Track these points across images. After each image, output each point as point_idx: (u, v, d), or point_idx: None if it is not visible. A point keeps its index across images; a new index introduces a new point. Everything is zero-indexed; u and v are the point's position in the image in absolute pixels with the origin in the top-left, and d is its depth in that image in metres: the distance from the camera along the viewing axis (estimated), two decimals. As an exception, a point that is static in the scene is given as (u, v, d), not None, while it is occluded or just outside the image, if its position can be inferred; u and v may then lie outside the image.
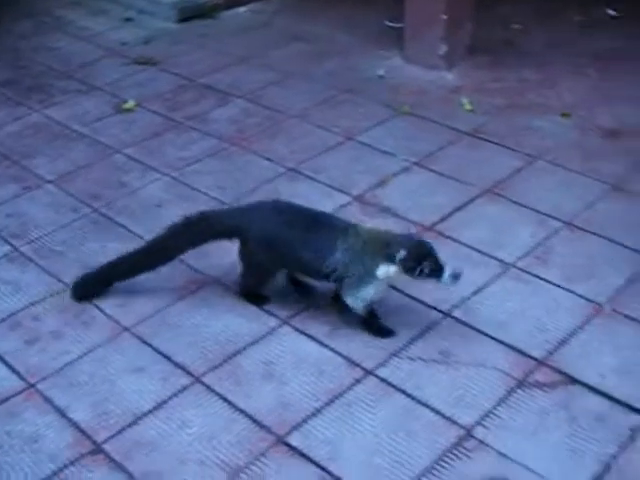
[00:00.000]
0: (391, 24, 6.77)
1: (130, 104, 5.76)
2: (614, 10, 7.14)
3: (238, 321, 3.79)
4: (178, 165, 5.04)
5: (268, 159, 5.06)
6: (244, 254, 3.82)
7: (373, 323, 3.73)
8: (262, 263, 3.77)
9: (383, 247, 3.51)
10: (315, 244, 3.60)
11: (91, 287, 3.98)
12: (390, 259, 3.48)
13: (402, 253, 3.45)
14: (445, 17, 5.91)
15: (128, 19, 7.35)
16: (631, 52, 6.40)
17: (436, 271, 3.47)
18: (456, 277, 3.48)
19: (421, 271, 3.46)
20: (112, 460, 3.13)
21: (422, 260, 3.46)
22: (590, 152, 5.08)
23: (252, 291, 3.94)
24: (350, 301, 3.64)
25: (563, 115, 5.50)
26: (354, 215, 4.40)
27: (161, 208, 4.63)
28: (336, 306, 3.75)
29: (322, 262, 3.57)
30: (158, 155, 5.16)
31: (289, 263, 3.76)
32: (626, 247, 4.23)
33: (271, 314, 3.83)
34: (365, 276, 3.55)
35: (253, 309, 3.85)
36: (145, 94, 5.94)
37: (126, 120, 5.62)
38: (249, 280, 3.91)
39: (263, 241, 3.69)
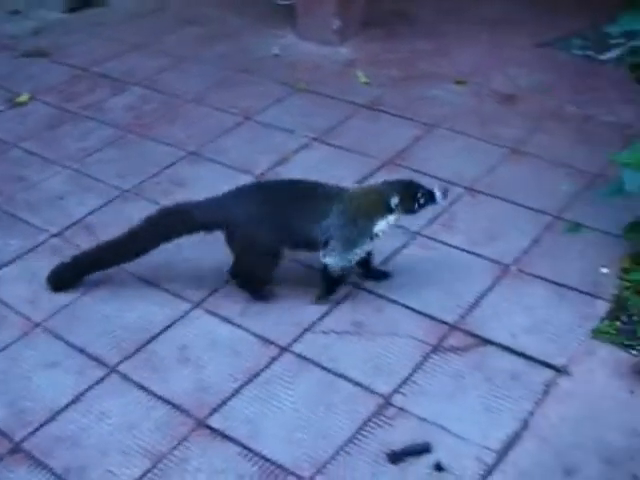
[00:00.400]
0: (282, 2, 6.73)
1: (24, 97, 5.66)
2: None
3: (150, 309, 3.76)
4: (77, 156, 4.97)
5: (168, 144, 5.02)
6: (238, 245, 3.72)
7: (339, 285, 3.77)
8: (262, 246, 3.67)
9: (376, 204, 3.62)
10: (308, 213, 3.63)
11: (66, 277, 3.90)
12: (388, 211, 3.60)
13: (395, 199, 3.58)
14: (336, -9, 5.91)
15: (15, 11, 7.19)
16: (520, 17, 6.50)
17: (429, 197, 3.64)
18: (445, 193, 3.67)
19: (419, 204, 3.64)
20: (32, 458, 3.09)
21: (414, 195, 3.62)
22: (487, 117, 5.15)
23: (262, 282, 3.82)
24: (332, 261, 3.65)
25: (458, 82, 5.57)
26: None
27: (63, 200, 4.56)
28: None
29: (317, 229, 3.61)
30: (56, 147, 5.07)
31: (285, 239, 3.68)
32: (528, 208, 4.31)
33: (183, 298, 3.80)
34: (358, 237, 3.63)
35: (165, 295, 3.83)
36: (38, 86, 5.84)
37: (20, 114, 5.51)
38: (256, 271, 3.78)
39: (253, 225, 3.64)
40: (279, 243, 3.69)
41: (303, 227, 3.63)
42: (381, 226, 3.64)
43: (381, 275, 3.90)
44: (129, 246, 3.76)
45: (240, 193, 3.76)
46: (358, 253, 3.67)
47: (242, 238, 3.67)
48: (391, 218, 3.64)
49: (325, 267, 3.70)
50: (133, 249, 3.77)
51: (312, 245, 3.68)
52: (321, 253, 3.67)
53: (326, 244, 3.64)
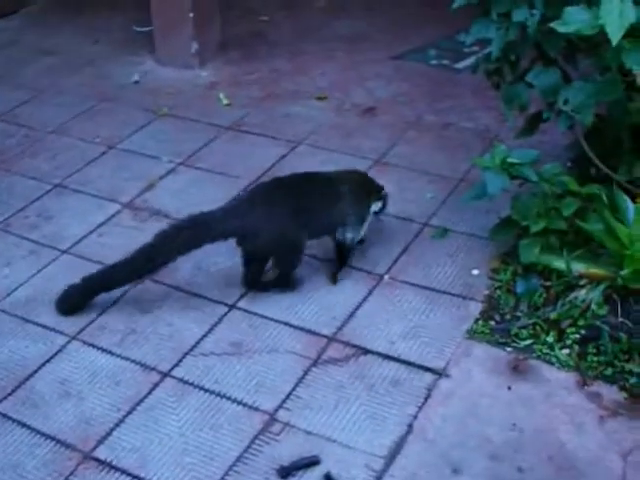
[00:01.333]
0: (139, 28, 6.72)
1: None
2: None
3: (23, 344, 3.70)
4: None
5: (33, 178, 4.95)
6: (266, 248, 3.83)
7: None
8: (292, 241, 3.83)
9: (370, 187, 4.12)
10: (324, 199, 3.93)
11: (75, 300, 3.86)
12: (378, 195, 4.12)
13: (385, 191, 4.14)
14: (192, 15, 5.93)
15: None
16: (374, 33, 6.63)
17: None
18: None
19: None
20: None
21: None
22: (349, 131, 5.24)
23: (292, 274, 3.97)
24: (351, 236, 4.00)
25: (319, 98, 5.65)
26: (127, 222, 4.40)
27: None
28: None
29: (336, 212, 3.91)
30: None
31: (309, 229, 3.87)
32: (396, 217, 4.40)
33: (57, 332, 3.75)
34: (366, 212, 4.05)
35: (37, 330, 3.77)
36: None
37: None
38: (290, 263, 3.91)
39: (276, 224, 3.77)
40: (304, 235, 3.87)
41: (324, 213, 3.91)
42: (374, 207, 4.11)
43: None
44: (144, 263, 3.75)
45: (253, 197, 3.92)
46: (365, 226, 4.06)
47: (270, 240, 3.78)
48: (378, 204, 4.12)
49: (344, 243, 4.01)
50: (148, 266, 3.77)
51: (331, 228, 3.98)
52: (339, 232, 3.97)
53: (343, 223, 3.92)
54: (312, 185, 3.98)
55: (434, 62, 6.21)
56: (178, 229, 3.76)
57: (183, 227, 3.76)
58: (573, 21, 3.35)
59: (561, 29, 3.35)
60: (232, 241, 3.80)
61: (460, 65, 6.14)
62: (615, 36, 3.17)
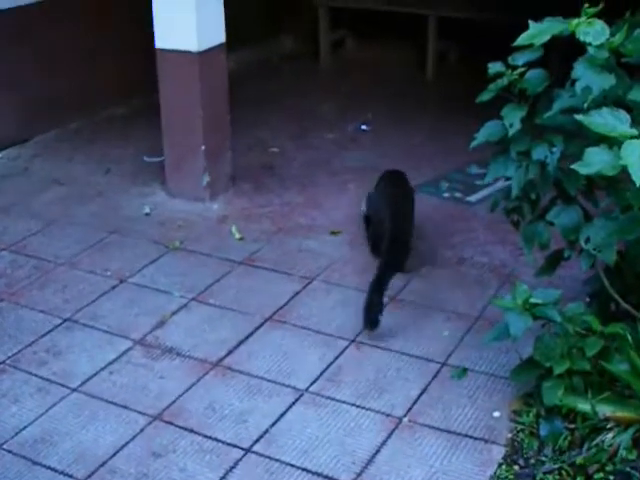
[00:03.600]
0: (150, 159, 6.73)
1: None
2: (366, 125, 7.42)
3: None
4: (-54, 330, 4.77)
5: (42, 311, 4.87)
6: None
7: None
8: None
9: None
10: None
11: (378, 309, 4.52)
12: None
13: None
14: (204, 148, 5.92)
15: None
16: (382, 164, 6.58)
17: None
18: None
19: None
20: None
21: None
22: (363, 267, 5.16)
23: None
24: None
25: (332, 233, 5.59)
26: (138, 359, 4.31)
27: None
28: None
29: None
30: None
31: None
32: (414, 356, 4.30)
33: (67, 475, 3.64)
34: None
35: (46, 473, 3.65)
36: None
37: None
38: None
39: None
40: None
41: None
42: None
43: None
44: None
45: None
46: None
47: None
48: None
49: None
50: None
51: None
52: None
53: None
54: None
55: (446, 195, 6.20)
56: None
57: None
58: (594, 162, 3.30)
59: (583, 170, 3.31)
60: (246, 381, 3.71)
61: (472, 198, 6.12)
62: (638, 177, 3.12)
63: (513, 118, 3.79)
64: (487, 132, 3.94)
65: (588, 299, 4.42)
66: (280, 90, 8.66)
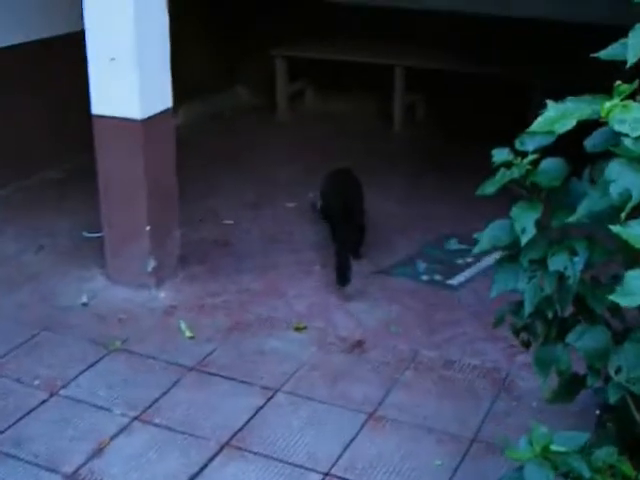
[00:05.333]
0: (89, 234, 5.95)
1: None
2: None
3: None
4: None
5: (-46, 432, 4.06)
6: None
7: None
8: None
9: None
10: None
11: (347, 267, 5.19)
12: None
13: None
14: (149, 228, 5.16)
15: None
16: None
17: None
18: None
19: None
20: None
21: None
22: (335, 373, 4.46)
23: None
24: None
25: (297, 329, 4.86)
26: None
27: None
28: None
29: None
30: None
31: None
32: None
33: None
34: None
35: None
36: None
37: None
38: None
39: None
40: None
41: None
42: None
43: None
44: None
45: None
46: None
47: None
48: None
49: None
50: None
51: None
52: None
53: None
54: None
55: (425, 277, 5.48)
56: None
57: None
58: (638, 290, 2.60)
59: (624, 301, 2.59)
60: None
61: (454, 281, 5.43)
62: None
63: (526, 221, 3.08)
64: (492, 235, 3.22)
65: (598, 412, 3.73)
66: (234, 149, 7.92)
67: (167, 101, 5.18)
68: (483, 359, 4.58)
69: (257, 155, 7.71)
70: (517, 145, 3.21)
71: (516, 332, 3.41)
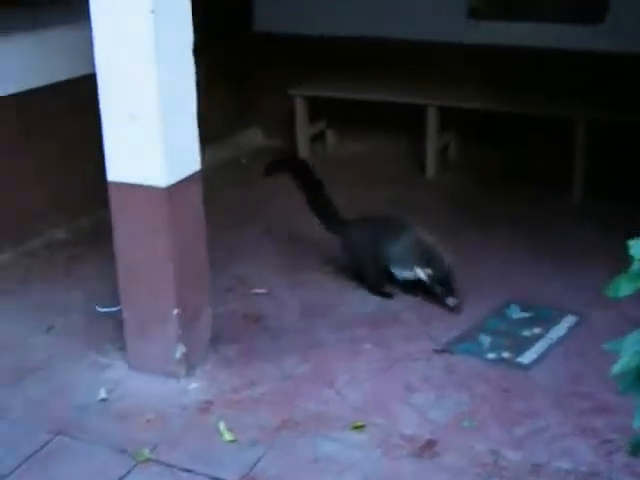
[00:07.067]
0: (103, 309, 5.27)
1: None
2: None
3: None
4: None
5: None
6: None
7: None
8: None
9: None
10: None
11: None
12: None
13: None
14: (177, 311, 4.46)
15: None
16: (400, 309, 5.24)
17: None
18: None
19: None
20: None
21: None
22: (406, 482, 3.73)
23: None
24: None
25: (355, 427, 4.17)
26: None
27: None
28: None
29: None
30: None
31: None
32: None
33: None
34: None
35: None
36: None
37: None
38: None
39: None
40: None
41: None
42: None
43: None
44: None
45: None
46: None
47: None
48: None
49: None
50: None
51: None
52: None
53: None
54: None
55: (491, 356, 4.80)
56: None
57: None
58: None
59: None
60: None
61: (525, 359, 4.75)
62: None
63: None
64: (635, 351, 2.53)
65: None
66: (254, 201, 7.22)
67: (195, 163, 4.50)
68: (575, 461, 3.90)
69: (280, 208, 6.99)
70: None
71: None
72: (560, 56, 7.36)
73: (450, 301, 5.20)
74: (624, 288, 2.57)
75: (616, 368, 2.54)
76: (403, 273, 5.40)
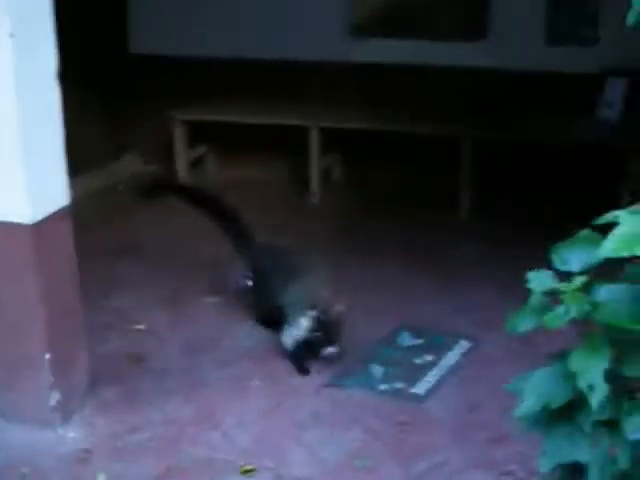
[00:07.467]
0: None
1: None
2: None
3: None
4: None
5: None
6: None
7: None
8: None
9: None
10: None
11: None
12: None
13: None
14: (49, 357, 4.16)
15: None
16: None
17: None
18: None
19: None
20: None
21: None
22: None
23: None
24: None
25: (245, 472, 3.93)
26: None
27: None
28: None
29: None
30: None
31: None
32: None
33: None
34: None
35: None
36: None
37: None
38: None
39: None
40: None
41: None
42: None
43: None
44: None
45: None
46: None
47: None
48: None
49: None
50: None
51: None
52: None
53: None
54: None
55: (383, 387, 4.63)
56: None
57: None
58: None
59: None
60: None
61: (420, 389, 4.59)
62: None
63: (593, 374, 2.25)
64: (540, 393, 2.37)
65: None
66: (133, 230, 6.90)
67: (63, 197, 4.21)
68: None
69: (160, 236, 6.71)
70: (556, 264, 2.41)
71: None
72: (445, 74, 7.26)
73: (327, 351, 4.64)
74: (524, 323, 2.41)
75: (519, 411, 2.37)
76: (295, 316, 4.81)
